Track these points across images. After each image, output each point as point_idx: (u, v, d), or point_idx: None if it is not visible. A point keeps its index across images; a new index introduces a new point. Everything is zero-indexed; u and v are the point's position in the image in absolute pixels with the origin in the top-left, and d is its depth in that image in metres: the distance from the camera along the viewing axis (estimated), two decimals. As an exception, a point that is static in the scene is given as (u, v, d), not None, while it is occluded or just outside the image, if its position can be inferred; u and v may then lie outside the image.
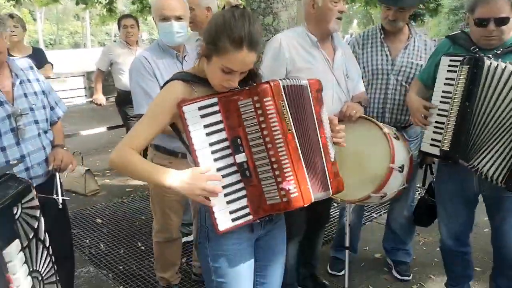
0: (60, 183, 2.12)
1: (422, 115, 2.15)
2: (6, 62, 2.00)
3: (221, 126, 1.42)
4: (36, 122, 2.02)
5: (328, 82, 2.19)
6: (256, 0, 3.04)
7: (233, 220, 1.42)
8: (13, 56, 3.04)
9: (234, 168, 1.42)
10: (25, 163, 1.95)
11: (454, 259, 2.36)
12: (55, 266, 1.66)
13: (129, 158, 1.41)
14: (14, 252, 1.34)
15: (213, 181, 1.37)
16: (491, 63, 1.91)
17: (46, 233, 1.62)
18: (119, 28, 4.51)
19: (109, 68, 4.50)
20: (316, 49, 2.22)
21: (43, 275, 1.54)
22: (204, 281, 1.61)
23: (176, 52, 2.31)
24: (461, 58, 1.99)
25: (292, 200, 1.38)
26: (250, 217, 1.44)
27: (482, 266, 2.87)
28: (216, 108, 1.41)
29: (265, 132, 1.37)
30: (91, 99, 4.95)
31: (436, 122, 2.09)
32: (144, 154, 2.16)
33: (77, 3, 10.07)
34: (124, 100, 4.26)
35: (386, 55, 2.57)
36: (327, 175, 1.50)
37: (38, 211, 1.58)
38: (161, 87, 1.51)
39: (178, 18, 2.23)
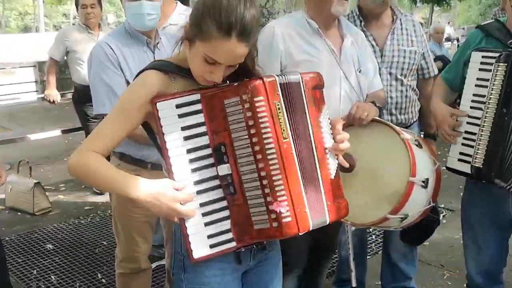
0: None
1: (451, 127, 2.12)
2: None
3: (203, 129, 1.41)
4: None
5: (334, 77, 2.19)
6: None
7: (212, 246, 1.41)
8: None
9: (216, 182, 1.42)
10: None
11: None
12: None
13: (91, 163, 1.40)
14: None
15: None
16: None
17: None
18: (77, 8, 4.51)
19: (65, 58, 4.49)
20: (318, 38, 2.23)
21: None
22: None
23: (147, 38, 2.30)
24: (496, 55, 1.97)
25: (284, 225, 1.35)
26: (233, 244, 1.43)
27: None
28: (198, 107, 1.40)
29: (254, 140, 1.35)
30: (43, 95, 4.93)
31: (466, 132, 2.07)
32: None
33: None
34: (83, 97, 4.25)
35: (372, 46, 2.55)
36: (323, 197, 1.45)
37: None
38: (134, 79, 1.50)
39: (150, -3, 2.23)
